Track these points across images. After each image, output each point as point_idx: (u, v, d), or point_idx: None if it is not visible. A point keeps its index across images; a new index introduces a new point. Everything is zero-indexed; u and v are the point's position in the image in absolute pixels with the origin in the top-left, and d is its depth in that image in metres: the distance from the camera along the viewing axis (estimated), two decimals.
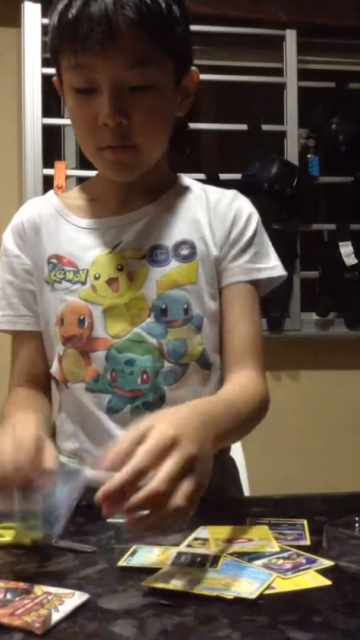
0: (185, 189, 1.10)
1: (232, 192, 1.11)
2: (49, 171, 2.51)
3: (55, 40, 0.94)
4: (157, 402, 1.01)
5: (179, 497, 0.66)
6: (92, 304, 1.02)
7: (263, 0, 2.60)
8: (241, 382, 1.01)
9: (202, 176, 2.54)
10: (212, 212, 1.07)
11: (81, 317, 1.02)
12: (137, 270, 1.02)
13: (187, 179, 1.13)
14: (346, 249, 2.63)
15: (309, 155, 2.67)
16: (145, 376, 1.00)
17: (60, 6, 0.91)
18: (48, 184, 2.50)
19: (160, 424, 0.71)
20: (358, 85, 2.74)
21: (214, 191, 1.11)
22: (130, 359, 1.00)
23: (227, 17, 2.58)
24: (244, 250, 1.06)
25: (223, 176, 2.59)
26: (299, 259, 2.65)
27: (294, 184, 2.55)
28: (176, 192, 1.09)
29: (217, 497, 1.08)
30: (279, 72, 2.71)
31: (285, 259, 2.96)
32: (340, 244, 2.64)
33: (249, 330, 1.05)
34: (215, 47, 2.61)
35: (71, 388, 1.04)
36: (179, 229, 1.05)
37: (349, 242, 2.64)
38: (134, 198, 1.06)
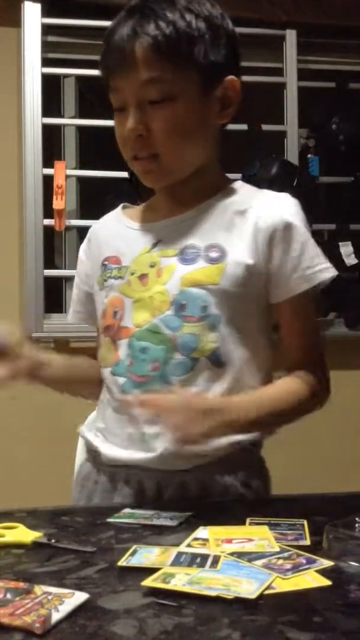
0: (231, 195, 1.12)
1: (279, 200, 1.12)
2: (49, 171, 2.51)
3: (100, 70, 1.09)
4: (164, 390, 1.05)
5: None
6: (126, 296, 1.11)
7: (263, 0, 2.60)
8: (289, 382, 1.11)
9: None
10: (256, 223, 1.07)
11: (116, 309, 1.12)
12: (167, 267, 1.08)
13: (241, 184, 1.15)
14: (346, 249, 2.63)
15: (309, 155, 2.67)
16: (156, 364, 1.05)
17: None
18: (48, 184, 2.50)
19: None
20: (358, 85, 2.74)
21: (262, 197, 1.12)
22: (145, 347, 1.06)
23: None
24: (299, 258, 1.07)
25: None
26: None
27: (294, 184, 2.55)
28: (221, 197, 1.12)
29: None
30: (279, 72, 2.71)
31: None
32: (340, 244, 2.64)
33: (310, 339, 1.14)
34: None
35: (103, 372, 1.14)
36: (213, 232, 1.08)
37: (349, 242, 2.64)
38: (181, 203, 1.13)
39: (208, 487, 1.06)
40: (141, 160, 1.07)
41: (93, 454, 1.14)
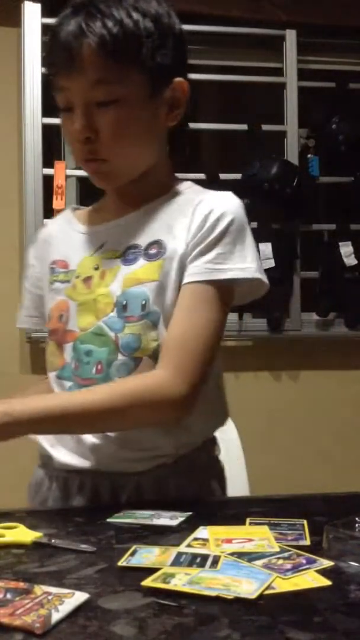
0: (177, 195, 1.11)
1: (218, 194, 1.09)
2: (49, 171, 2.51)
3: (46, 68, 1.08)
4: None
5: None
6: (71, 300, 1.10)
7: (263, 0, 2.60)
8: (125, 381, 1.02)
9: (202, 176, 2.54)
10: (193, 215, 1.06)
11: (61, 313, 1.11)
12: (110, 269, 1.08)
13: (189, 185, 1.14)
14: (346, 249, 2.63)
15: (309, 155, 2.67)
16: (99, 367, 1.05)
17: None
18: (48, 183, 2.50)
19: None
20: (358, 85, 2.74)
21: (205, 195, 1.10)
22: (89, 350, 1.06)
23: (227, 17, 2.58)
24: (207, 249, 1.03)
25: (223, 176, 2.59)
26: (299, 259, 2.65)
27: (294, 184, 2.55)
28: (167, 198, 1.11)
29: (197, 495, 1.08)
30: (279, 72, 2.72)
31: (285, 259, 2.95)
32: (340, 244, 2.64)
33: (183, 329, 1.02)
34: (215, 47, 2.61)
35: (49, 376, 1.13)
36: (155, 230, 1.08)
37: (349, 242, 2.64)
38: (128, 205, 1.11)
39: (164, 489, 1.05)
40: (90, 162, 1.05)
41: (45, 459, 1.11)
